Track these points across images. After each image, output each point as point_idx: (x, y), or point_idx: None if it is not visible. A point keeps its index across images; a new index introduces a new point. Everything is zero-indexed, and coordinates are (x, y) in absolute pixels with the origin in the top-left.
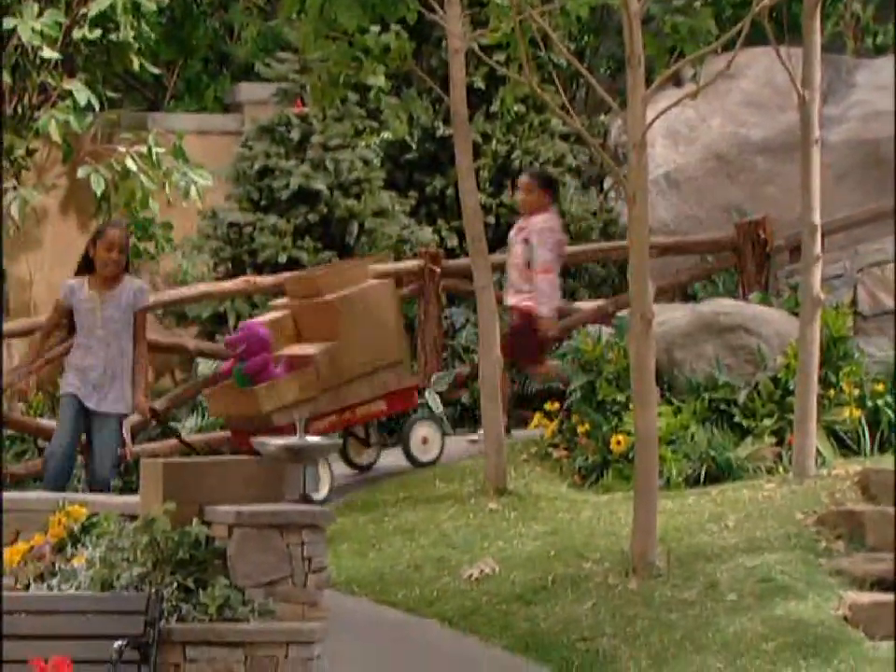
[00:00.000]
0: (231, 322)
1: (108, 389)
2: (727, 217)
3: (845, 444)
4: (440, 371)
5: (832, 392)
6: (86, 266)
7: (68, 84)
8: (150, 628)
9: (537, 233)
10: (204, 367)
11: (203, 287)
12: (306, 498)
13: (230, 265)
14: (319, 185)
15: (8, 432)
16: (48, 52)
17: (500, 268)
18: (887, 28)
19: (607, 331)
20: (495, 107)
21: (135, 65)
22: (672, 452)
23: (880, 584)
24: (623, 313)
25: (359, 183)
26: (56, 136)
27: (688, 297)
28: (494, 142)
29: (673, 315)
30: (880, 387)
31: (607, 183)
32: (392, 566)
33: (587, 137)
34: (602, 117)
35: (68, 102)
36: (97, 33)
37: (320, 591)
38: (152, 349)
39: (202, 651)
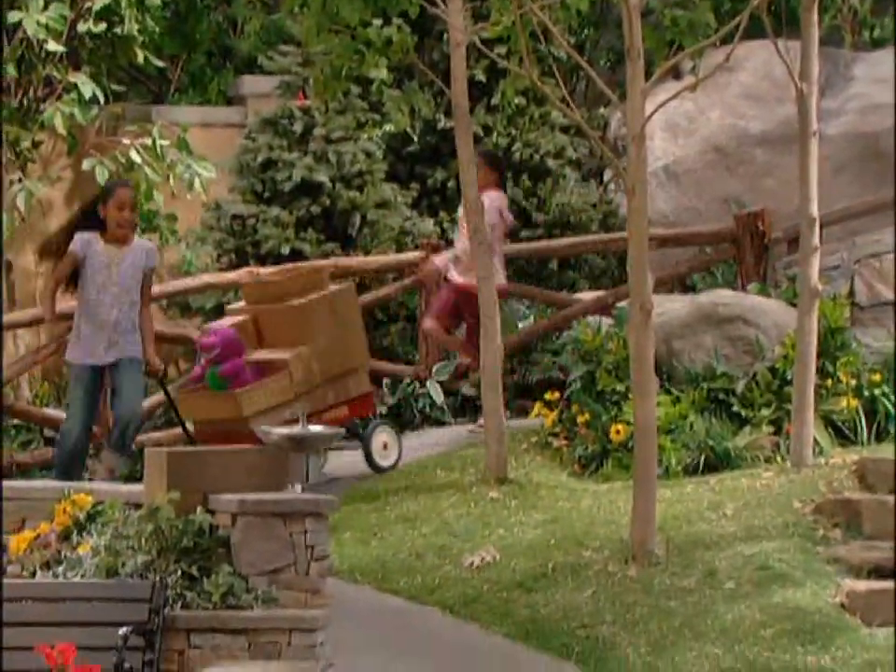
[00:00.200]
0: None
1: (124, 340)
2: (726, 209)
3: (842, 434)
4: (441, 362)
5: (829, 382)
6: (95, 223)
7: (73, 77)
8: (155, 615)
9: (485, 211)
10: None
11: (206, 278)
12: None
13: (233, 256)
14: (322, 177)
15: (14, 422)
16: (53, 45)
17: None
18: (884, 21)
19: (606, 322)
20: (496, 100)
21: (140, 59)
22: (671, 441)
23: (877, 572)
24: (622, 304)
25: (361, 175)
26: (61, 129)
27: (687, 288)
28: (495, 134)
29: (672, 306)
30: (877, 377)
31: (606, 175)
32: (394, 554)
33: (587, 130)
34: (602, 109)
35: (73, 95)
36: (102, 26)
37: (323, 579)
38: (157, 340)
39: (206, 638)
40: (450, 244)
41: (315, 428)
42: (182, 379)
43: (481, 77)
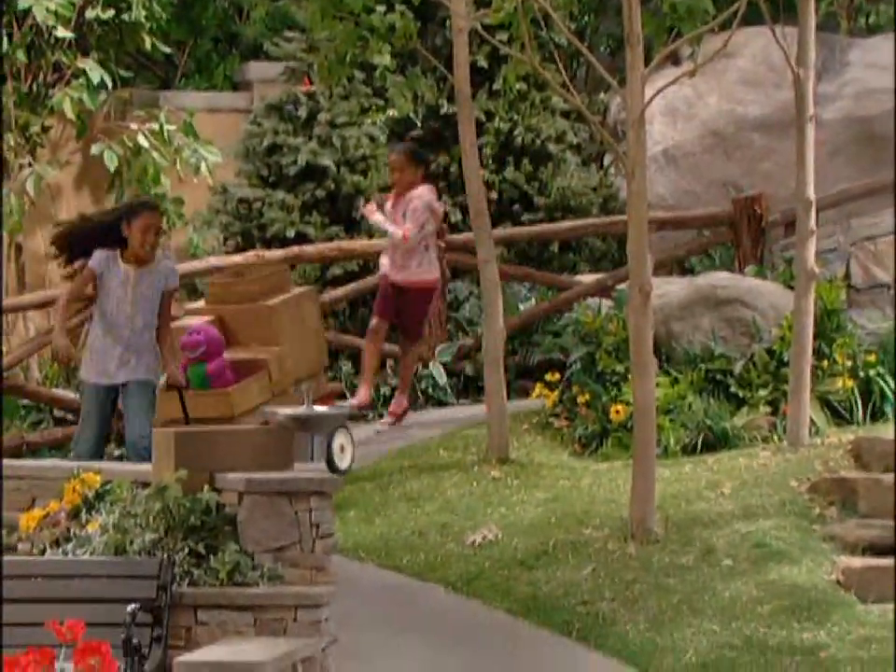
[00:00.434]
0: None
1: (136, 361)
2: (724, 193)
3: (838, 414)
4: (444, 344)
5: (825, 363)
6: (116, 240)
7: (82, 63)
8: (163, 592)
9: (411, 211)
10: None
11: (213, 261)
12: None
13: (239, 239)
14: (326, 161)
15: (24, 402)
16: (62, 32)
17: (503, 242)
18: (879, 8)
19: (606, 304)
20: (497, 85)
21: (147, 45)
22: (670, 421)
23: (872, 549)
24: (622, 286)
25: (365, 159)
26: (70, 114)
27: (685, 270)
28: (496, 119)
29: (671, 289)
30: (872, 358)
31: (607, 159)
32: (397, 532)
33: (587, 114)
34: (602, 94)
35: (82, 80)
36: (110, 13)
37: (327, 556)
38: None
39: (212, 614)
40: (453, 227)
41: (320, 409)
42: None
43: (483, 62)
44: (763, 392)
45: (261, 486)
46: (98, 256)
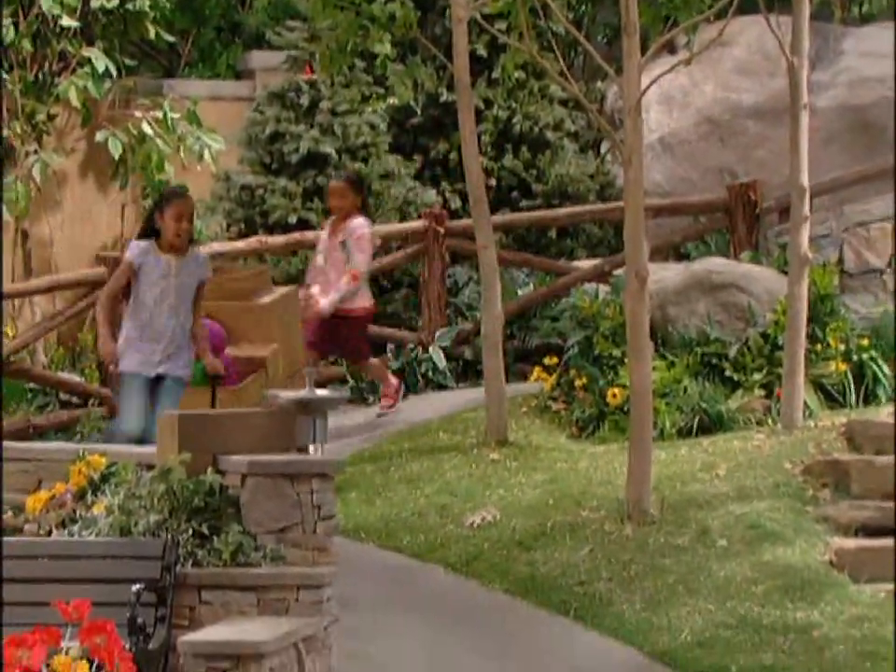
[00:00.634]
0: None
1: (178, 355)
2: (719, 180)
3: (831, 397)
4: (443, 328)
5: (819, 347)
6: (149, 231)
7: (87, 52)
8: (167, 572)
9: (356, 239)
10: None
11: (216, 247)
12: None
13: (242, 226)
14: (328, 149)
15: (30, 385)
16: (67, 21)
17: (501, 228)
18: None
19: (603, 289)
20: (496, 74)
21: (151, 34)
22: (666, 404)
23: (864, 530)
24: (618, 271)
25: (366, 147)
26: (76, 102)
27: (681, 256)
28: (495, 107)
29: (667, 274)
30: (865, 342)
31: (604, 147)
32: (398, 513)
33: (585, 103)
34: (599, 83)
35: (87, 69)
36: (114, 2)
37: (329, 537)
38: None
39: (216, 594)
40: (452, 214)
41: (322, 392)
42: None
43: (482, 51)
44: (757, 375)
45: (264, 468)
46: (134, 247)
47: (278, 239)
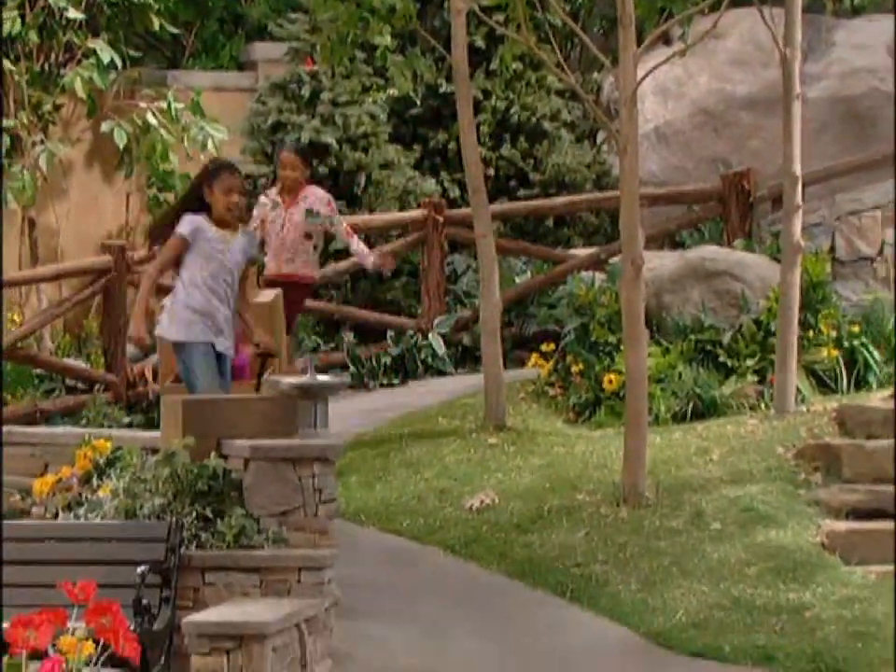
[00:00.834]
0: None
1: (228, 332)
2: (713, 169)
3: (823, 382)
4: (442, 315)
5: (811, 333)
6: (199, 206)
7: (92, 43)
8: (171, 554)
9: (325, 204)
10: None
11: None
12: None
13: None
14: (329, 139)
15: (37, 371)
16: (73, 13)
17: (499, 217)
18: None
19: (600, 277)
20: (494, 65)
21: (155, 26)
22: (661, 390)
23: (855, 513)
24: (614, 259)
25: (367, 137)
26: (81, 93)
27: (676, 244)
28: (493, 98)
29: (662, 262)
30: (856, 329)
31: (600, 137)
32: (397, 497)
33: (581, 93)
34: (595, 74)
35: (92, 60)
36: None
37: (330, 520)
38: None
39: (219, 576)
40: (451, 203)
41: (323, 378)
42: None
43: (480, 43)
44: (750, 361)
45: (267, 453)
46: (188, 221)
47: None
